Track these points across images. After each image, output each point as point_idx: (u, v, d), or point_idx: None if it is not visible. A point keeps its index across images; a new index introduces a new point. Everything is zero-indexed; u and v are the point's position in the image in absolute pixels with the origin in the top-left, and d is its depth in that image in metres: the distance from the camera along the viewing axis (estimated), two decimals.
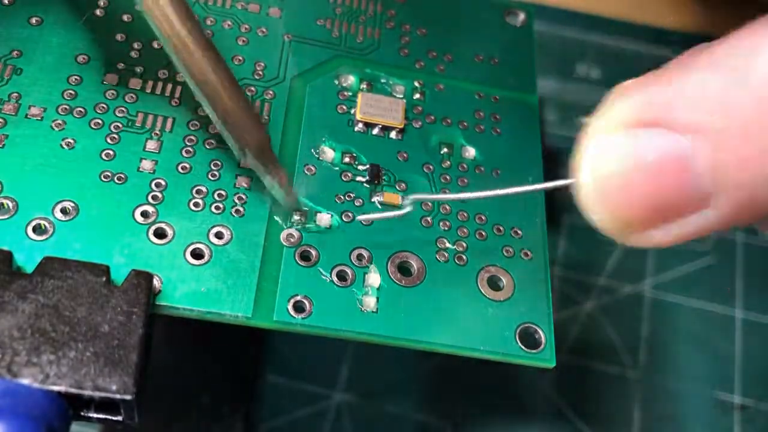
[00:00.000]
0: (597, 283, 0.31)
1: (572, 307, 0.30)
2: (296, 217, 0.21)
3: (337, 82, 0.24)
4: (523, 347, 0.20)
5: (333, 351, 0.26)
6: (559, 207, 0.33)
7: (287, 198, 0.20)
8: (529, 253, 0.22)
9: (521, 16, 0.27)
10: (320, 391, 0.26)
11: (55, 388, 0.16)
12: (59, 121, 0.21)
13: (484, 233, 0.22)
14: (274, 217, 0.20)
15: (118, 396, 0.17)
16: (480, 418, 0.27)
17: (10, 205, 0.19)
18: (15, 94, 0.21)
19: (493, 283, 0.21)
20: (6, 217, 0.19)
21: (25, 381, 0.16)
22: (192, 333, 0.25)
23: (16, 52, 0.22)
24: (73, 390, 0.16)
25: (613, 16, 0.38)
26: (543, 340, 0.20)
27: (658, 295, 0.31)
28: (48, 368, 0.16)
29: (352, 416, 0.26)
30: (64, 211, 0.20)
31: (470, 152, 0.24)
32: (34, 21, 0.23)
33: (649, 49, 0.37)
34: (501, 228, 0.22)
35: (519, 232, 0.22)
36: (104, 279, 0.18)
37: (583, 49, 0.37)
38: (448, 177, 0.23)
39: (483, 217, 0.22)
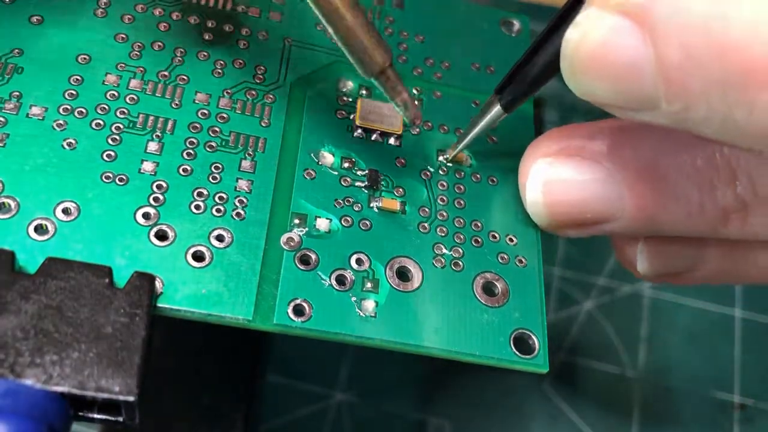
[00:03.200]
0: (597, 283, 0.31)
1: (572, 306, 0.31)
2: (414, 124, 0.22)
3: (336, 87, 0.24)
4: (517, 353, 0.21)
5: (333, 351, 0.27)
6: None
7: (408, 113, 0.22)
8: (523, 260, 0.22)
9: (517, 26, 0.28)
10: (320, 391, 0.26)
11: (58, 388, 0.16)
12: (60, 121, 0.21)
13: (480, 240, 0.22)
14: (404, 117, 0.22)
15: (120, 397, 0.17)
16: (479, 418, 0.27)
17: (12, 204, 0.19)
18: (16, 93, 0.21)
19: (489, 290, 0.22)
20: (7, 216, 0.19)
21: (29, 381, 0.16)
22: (192, 333, 0.25)
23: (16, 50, 0.22)
24: (76, 391, 0.16)
25: None
26: (536, 346, 0.21)
27: (657, 295, 0.32)
28: (51, 369, 0.17)
29: (352, 416, 0.26)
30: (65, 211, 0.20)
31: (467, 160, 0.24)
32: (34, 20, 0.23)
33: None
34: (496, 235, 0.23)
35: (514, 239, 0.23)
36: (107, 280, 0.18)
37: None
38: (445, 183, 0.23)
39: (479, 224, 0.23)
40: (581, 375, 0.29)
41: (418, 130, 0.24)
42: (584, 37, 0.16)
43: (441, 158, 0.24)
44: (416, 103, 0.22)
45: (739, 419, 0.29)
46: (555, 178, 0.21)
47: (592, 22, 0.16)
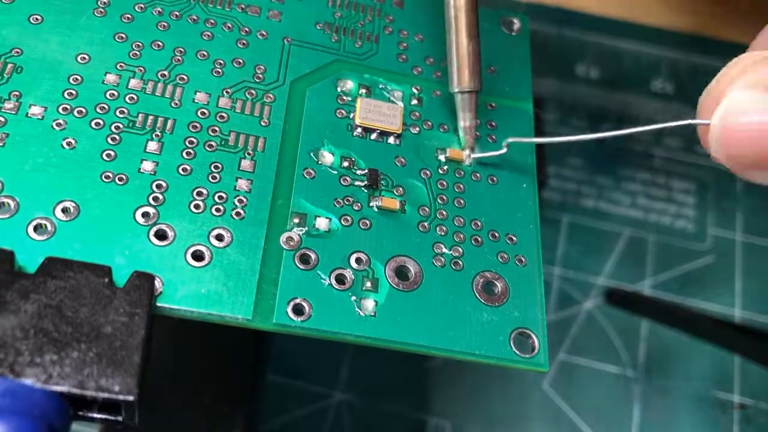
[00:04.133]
0: (597, 283, 0.31)
1: (572, 306, 0.30)
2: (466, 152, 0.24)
3: (336, 86, 0.24)
4: (517, 352, 0.21)
5: (333, 351, 0.27)
6: (559, 207, 0.33)
7: (465, 137, 0.24)
8: (523, 259, 0.22)
9: (517, 25, 0.28)
10: (320, 391, 0.26)
11: (58, 388, 0.16)
12: (60, 121, 0.21)
13: (479, 239, 0.22)
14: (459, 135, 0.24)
15: (120, 397, 0.17)
16: (479, 418, 0.27)
17: (11, 204, 0.19)
18: (15, 93, 0.21)
19: (488, 289, 0.22)
20: (7, 216, 0.19)
21: (29, 381, 0.16)
22: (192, 332, 0.25)
23: (16, 50, 0.22)
24: (75, 390, 0.16)
25: (613, 16, 0.38)
26: (536, 345, 0.21)
27: (658, 295, 0.32)
28: (51, 368, 0.17)
29: (352, 416, 0.26)
30: (65, 211, 0.20)
31: (467, 158, 0.24)
32: (33, 19, 0.23)
33: (648, 49, 0.37)
34: (496, 234, 0.23)
35: (513, 238, 0.23)
36: (106, 280, 0.18)
37: (583, 49, 0.37)
38: (444, 183, 0.23)
39: (479, 223, 0.23)
40: (581, 375, 0.29)
41: (417, 128, 0.24)
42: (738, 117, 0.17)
43: (441, 157, 0.24)
44: (476, 134, 0.24)
45: (739, 419, 0.29)
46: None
47: (744, 103, 0.17)
